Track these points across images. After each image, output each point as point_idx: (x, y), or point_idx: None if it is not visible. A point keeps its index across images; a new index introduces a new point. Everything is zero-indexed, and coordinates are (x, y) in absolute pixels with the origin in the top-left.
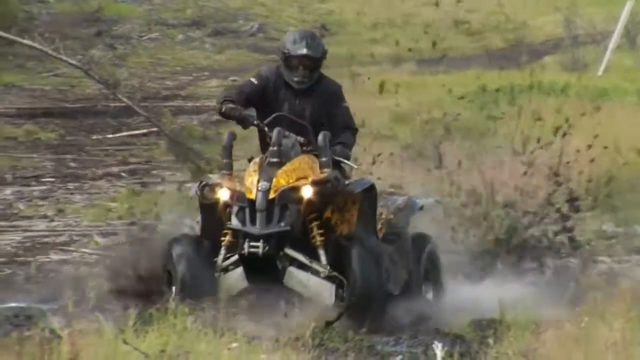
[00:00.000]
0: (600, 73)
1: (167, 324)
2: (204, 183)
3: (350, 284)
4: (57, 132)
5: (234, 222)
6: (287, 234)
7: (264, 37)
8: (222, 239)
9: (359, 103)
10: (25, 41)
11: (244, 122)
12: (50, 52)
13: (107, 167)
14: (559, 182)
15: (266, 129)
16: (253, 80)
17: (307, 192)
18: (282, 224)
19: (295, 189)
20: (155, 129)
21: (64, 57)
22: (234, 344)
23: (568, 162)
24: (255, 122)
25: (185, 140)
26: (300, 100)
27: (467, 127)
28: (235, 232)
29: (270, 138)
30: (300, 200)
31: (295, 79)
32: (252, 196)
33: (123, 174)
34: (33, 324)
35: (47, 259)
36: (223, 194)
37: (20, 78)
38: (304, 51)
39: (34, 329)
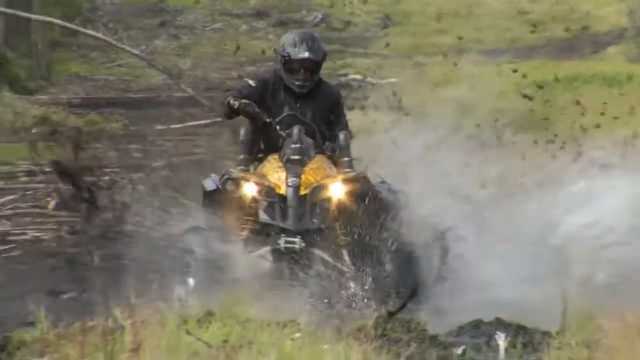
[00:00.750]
0: None
1: (230, 314)
2: (226, 177)
3: (389, 283)
4: (121, 122)
5: (264, 217)
6: (321, 232)
7: (327, 27)
8: (241, 233)
9: (423, 93)
10: (89, 31)
11: (258, 119)
12: (113, 42)
13: (170, 157)
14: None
15: (278, 127)
16: (251, 82)
17: (338, 190)
18: (315, 220)
19: (326, 187)
20: (219, 119)
21: (128, 48)
22: (297, 335)
23: None
24: (268, 119)
25: None
26: (301, 104)
27: (531, 118)
28: (265, 227)
29: (282, 136)
30: (330, 198)
31: (296, 82)
32: (282, 192)
33: (187, 164)
34: (96, 314)
35: (111, 249)
36: (250, 189)
37: (84, 68)
38: (306, 54)
39: (97, 319)
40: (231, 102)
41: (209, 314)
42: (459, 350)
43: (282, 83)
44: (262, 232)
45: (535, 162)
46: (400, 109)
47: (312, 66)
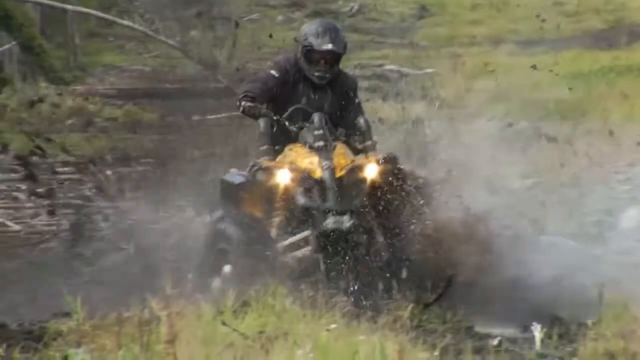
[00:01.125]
0: None
1: (265, 305)
2: (256, 167)
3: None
4: (157, 113)
5: (303, 201)
6: (358, 213)
7: (363, 18)
8: (273, 219)
9: (459, 84)
10: (125, 22)
11: (265, 119)
12: (150, 33)
13: (207, 148)
14: None
15: (287, 122)
16: (273, 72)
17: (372, 170)
18: (354, 202)
19: (362, 168)
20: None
21: (164, 38)
22: (333, 325)
23: None
24: (275, 117)
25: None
26: (318, 94)
27: (566, 108)
28: (304, 211)
29: (293, 131)
30: (365, 179)
31: (317, 73)
32: (317, 175)
33: (223, 155)
34: (132, 305)
35: (146, 240)
36: (284, 175)
37: (120, 59)
38: (329, 46)
39: (133, 310)
40: (237, 104)
41: (245, 304)
42: (495, 341)
43: (301, 73)
44: (299, 218)
45: (573, 153)
46: (436, 99)
47: (334, 58)
